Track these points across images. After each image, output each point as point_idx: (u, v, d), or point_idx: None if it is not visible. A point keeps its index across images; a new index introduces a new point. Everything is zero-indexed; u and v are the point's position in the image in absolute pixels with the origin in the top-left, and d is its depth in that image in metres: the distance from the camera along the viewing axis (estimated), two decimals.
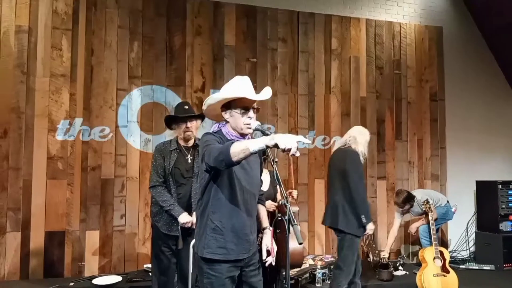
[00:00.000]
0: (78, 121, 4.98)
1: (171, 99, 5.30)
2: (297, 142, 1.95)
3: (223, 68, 5.52)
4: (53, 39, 4.96)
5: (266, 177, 3.81)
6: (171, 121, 3.59)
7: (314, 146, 5.83)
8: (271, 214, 3.69)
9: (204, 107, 2.40)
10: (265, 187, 3.66)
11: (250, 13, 5.68)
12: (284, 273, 3.21)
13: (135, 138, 5.16)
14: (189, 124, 3.47)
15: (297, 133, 5.76)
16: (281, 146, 1.93)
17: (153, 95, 5.26)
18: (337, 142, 4.15)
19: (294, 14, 5.87)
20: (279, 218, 2.22)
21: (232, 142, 2.07)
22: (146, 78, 5.24)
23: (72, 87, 4.99)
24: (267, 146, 1.99)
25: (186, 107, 3.56)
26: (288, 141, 1.93)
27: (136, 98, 5.20)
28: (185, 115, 3.47)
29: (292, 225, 1.99)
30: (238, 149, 2.01)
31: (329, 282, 4.40)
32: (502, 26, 6.39)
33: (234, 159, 2.02)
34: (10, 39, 4.82)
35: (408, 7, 6.46)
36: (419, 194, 5.41)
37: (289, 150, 1.93)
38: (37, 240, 4.76)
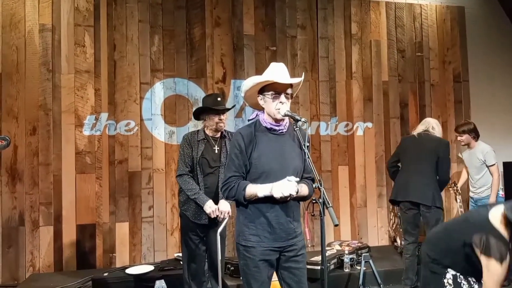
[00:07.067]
0: (104, 115, 5.07)
1: (193, 91, 5.34)
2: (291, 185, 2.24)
3: (243, 58, 5.51)
4: (76, 36, 5.04)
5: None
6: (202, 112, 3.63)
7: (336, 132, 5.82)
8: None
9: (242, 94, 2.45)
10: None
11: (268, 1, 5.66)
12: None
13: (160, 131, 5.23)
14: (222, 117, 3.53)
15: (319, 120, 5.76)
16: (276, 195, 2.24)
17: (176, 87, 5.31)
18: (417, 129, 4.49)
19: (312, 0, 5.83)
20: (314, 201, 2.24)
21: (244, 187, 2.33)
22: (168, 71, 5.29)
23: (97, 82, 5.07)
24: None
25: (219, 99, 3.60)
26: (284, 189, 2.22)
27: (159, 91, 5.25)
28: (219, 108, 3.51)
29: (327, 207, 2.01)
30: (249, 194, 2.33)
31: (357, 267, 4.45)
32: None
33: (245, 200, 2.35)
34: (34, 38, 4.92)
35: None
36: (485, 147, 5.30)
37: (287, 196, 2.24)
38: (69, 233, 4.89)
